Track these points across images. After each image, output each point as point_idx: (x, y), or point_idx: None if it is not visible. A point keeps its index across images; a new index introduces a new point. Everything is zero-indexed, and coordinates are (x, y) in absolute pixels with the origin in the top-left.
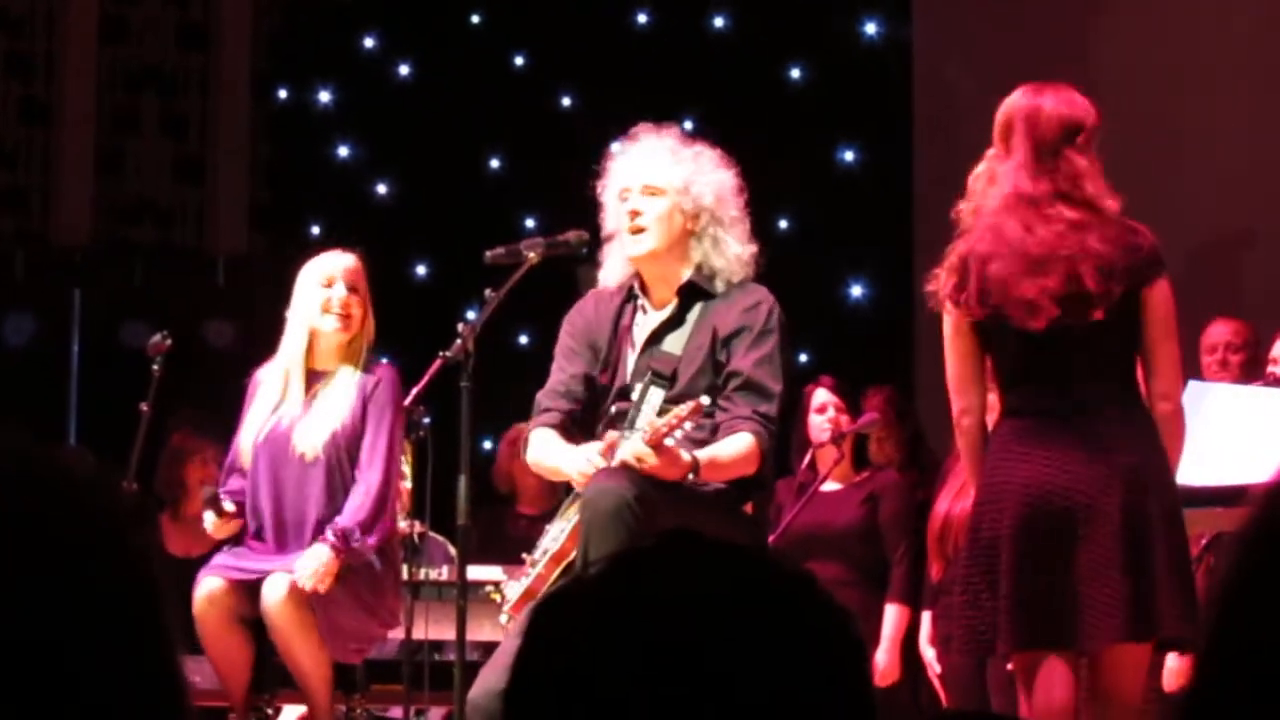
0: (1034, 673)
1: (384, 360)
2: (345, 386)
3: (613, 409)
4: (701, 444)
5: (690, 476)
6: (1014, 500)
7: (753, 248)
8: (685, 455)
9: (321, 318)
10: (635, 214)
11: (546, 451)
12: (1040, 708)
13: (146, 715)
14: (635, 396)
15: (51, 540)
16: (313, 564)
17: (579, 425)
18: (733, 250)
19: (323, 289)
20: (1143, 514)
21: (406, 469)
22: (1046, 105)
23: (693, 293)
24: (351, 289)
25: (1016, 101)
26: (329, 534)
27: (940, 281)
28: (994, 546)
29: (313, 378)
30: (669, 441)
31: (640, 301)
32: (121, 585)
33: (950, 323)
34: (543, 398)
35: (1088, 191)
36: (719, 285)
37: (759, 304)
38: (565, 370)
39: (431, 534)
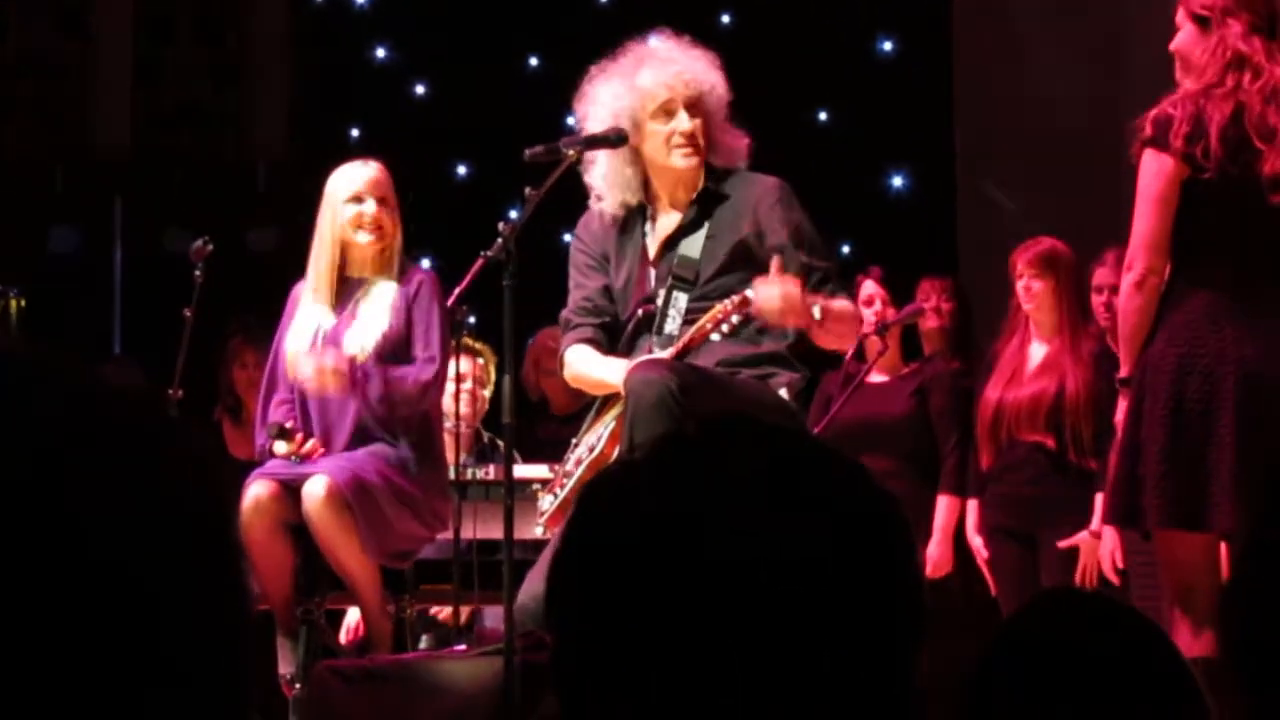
0: None
1: (420, 264)
2: (385, 292)
3: (639, 313)
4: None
5: (815, 315)
6: (1233, 376)
7: (743, 134)
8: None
9: (355, 233)
10: (692, 135)
11: (587, 366)
12: None
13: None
14: (659, 302)
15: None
16: (325, 359)
17: (610, 335)
18: (731, 139)
19: (353, 205)
20: None
21: (490, 373)
22: None
23: (707, 196)
24: (381, 201)
25: None
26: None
27: (1161, 127)
28: (1206, 419)
29: (352, 286)
30: (715, 336)
31: (648, 210)
32: (190, 503)
33: (1164, 173)
34: (570, 315)
35: None
36: (726, 177)
37: (776, 202)
38: (585, 286)
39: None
